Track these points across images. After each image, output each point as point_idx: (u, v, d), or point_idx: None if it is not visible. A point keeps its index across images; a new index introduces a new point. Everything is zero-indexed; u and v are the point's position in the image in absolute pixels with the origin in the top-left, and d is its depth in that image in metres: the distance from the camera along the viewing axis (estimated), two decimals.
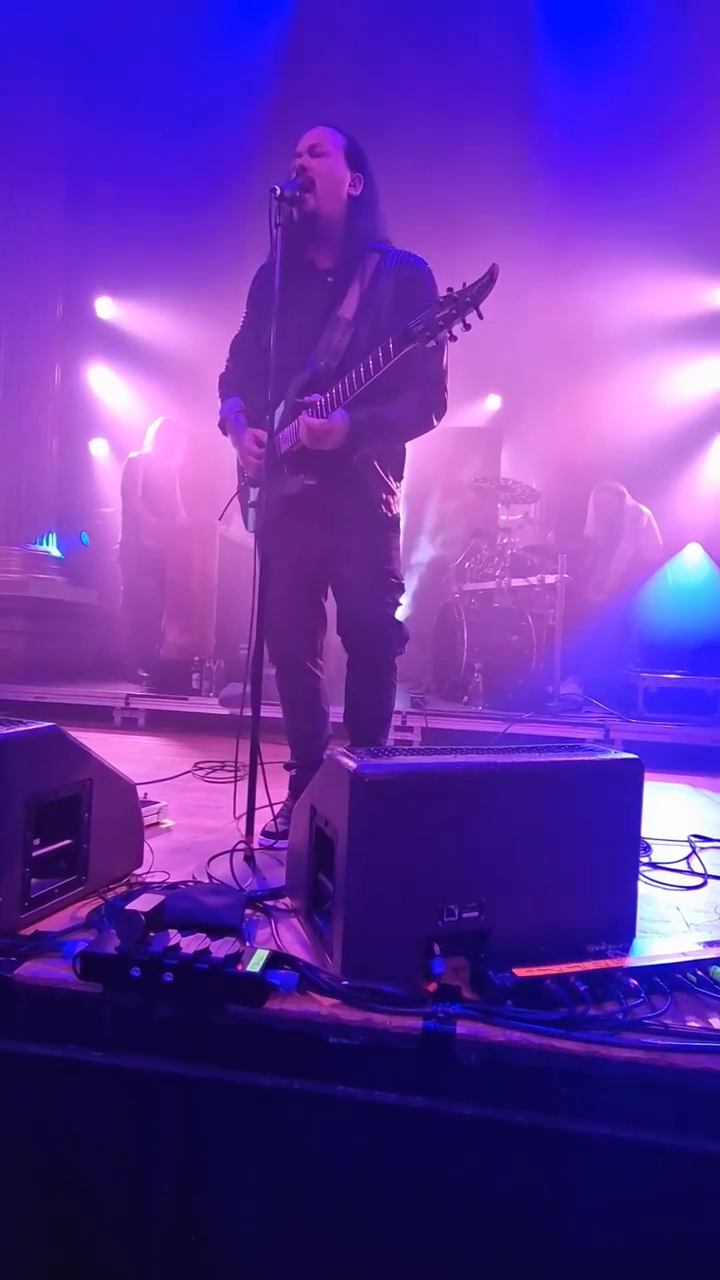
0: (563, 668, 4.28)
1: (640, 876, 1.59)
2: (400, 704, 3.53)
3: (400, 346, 1.70)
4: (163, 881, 1.55)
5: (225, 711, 3.82)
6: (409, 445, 2.08)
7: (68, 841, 1.42)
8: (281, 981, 1.09)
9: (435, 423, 1.96)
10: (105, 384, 6.36)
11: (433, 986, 1.13)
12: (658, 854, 1.98)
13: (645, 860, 1.88)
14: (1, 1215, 1.17)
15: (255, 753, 1.79)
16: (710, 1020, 1.10)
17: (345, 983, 1.11)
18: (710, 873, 1.87)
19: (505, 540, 4.85)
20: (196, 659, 4.33)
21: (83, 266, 5.66)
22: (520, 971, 1.13)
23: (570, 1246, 1.06)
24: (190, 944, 1.12)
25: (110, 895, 1.45)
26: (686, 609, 4.25)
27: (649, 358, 5.83)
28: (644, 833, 1.46)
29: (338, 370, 1.89)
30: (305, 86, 4.99)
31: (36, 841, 1.34)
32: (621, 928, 1.35)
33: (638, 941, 1.33)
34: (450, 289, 1.63)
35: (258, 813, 1.80)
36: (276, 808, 2.01)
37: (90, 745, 1.47)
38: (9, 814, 1.27)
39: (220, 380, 2.19)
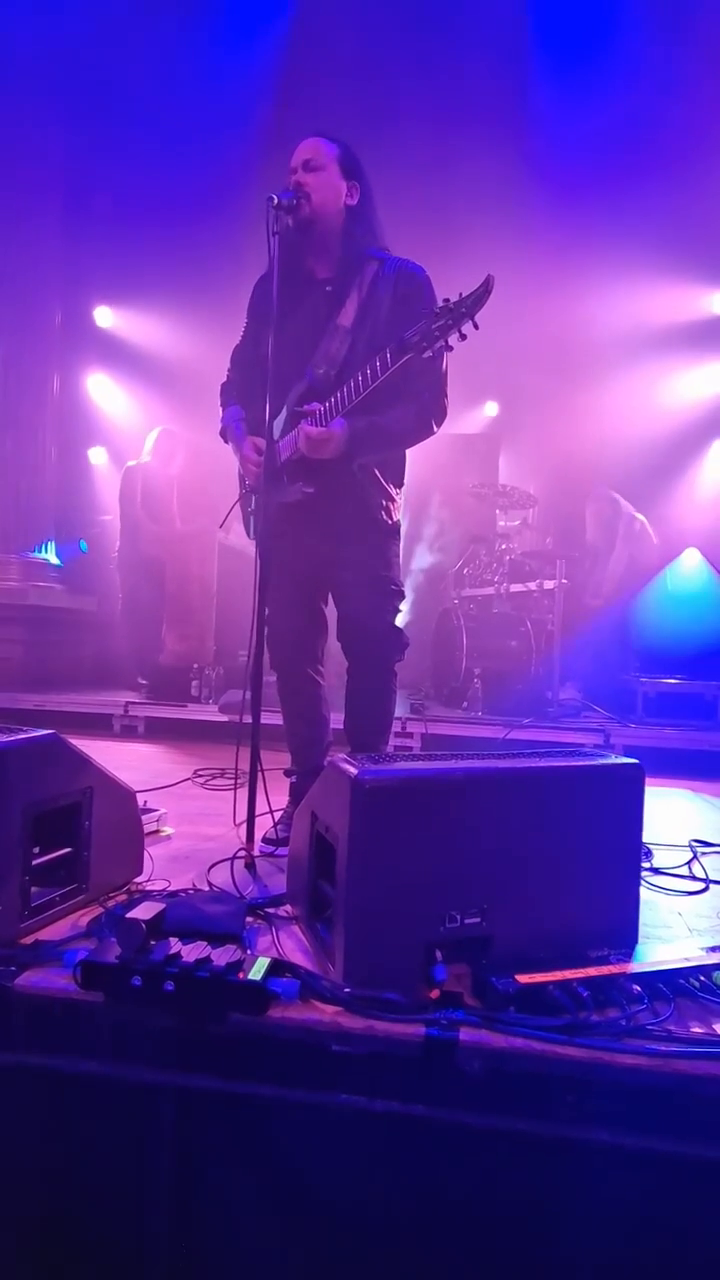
0: (562, 673, 4.28)
1: (642, 881, 1.58)
2: (400, 710, 3.53)
3: (397, 356, 1.71)
4: (163, 889, 1.55)
5: (225, 718, 3.82)
6: (408, 452, 2.08)
7: (67, 850, 1.42)
8: (283, 989, 1.09)
9: (435, 429, 1.96)
10: (104, 392, 6.38)
11: (435, 993, 1.12)
12: (659, 859, 1.97)
13: (646, 865, 1.88)
14: (1, 1225, 1.16)
15: (255, 759, 1.79)
16: (714, 1026, 1.10)
17: (347, 990, 1.11)
18: (712, 877, 1.87)
19: (504, 546, 4.86)
20: (196, 666, 4.33)
21: (82, 275, 5.68)
22: (523, 978, 1.13)
23: (574, 1256, 1.05)
24: (191, 952, 1.11)
25: (110, 904, 1.45)
26: (685, 614, 4.25)
27: (645, 363, 5.86)
28: (645, 838, 1.45)
29: (336, 378, 1.90)
30: (302, 96, 5.02)
31: (36, 850, 1.34)
32: (624, 933, 1.34)
33: (640, 947, 1.33)
34: (446, 300, 1.64)
35: (258, 820, 1.79)
36: (277, 814, 2.01)
37: (90, 753, 1.47)
38: (9, 822, 1.26)
39: (222, 389, 2.20)
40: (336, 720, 2.16)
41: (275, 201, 1.80)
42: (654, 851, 2.00)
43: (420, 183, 4.80)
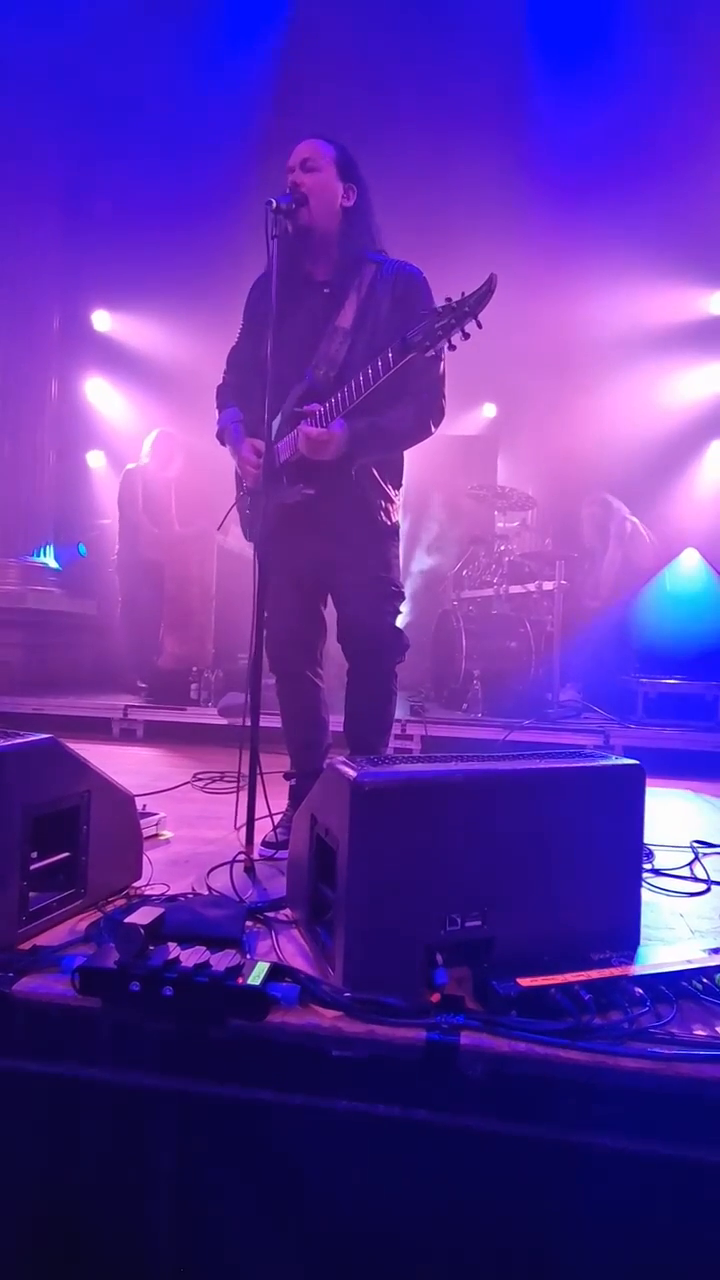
0: (562, 674, 4.28)
1: (643, 883, 1.58)
2: (400, 712, 3.52)
3: (400, 356, 1.71)
4: (162, 894, 1.54)
5: (224, 722, 3.81)
6: (406, 454, 2.08)
7: (66, 854, 1.41)
8: (283, 994, 1.08)
9: (433, 430, 1.96)
10: (102, 396, 6.38)
11: (436, 997, 1.11)
12: (660, 860, 1.97)
13: (648, 867, 1.87)
14: (3, 1231, 1.15)
15: (255, 762, 1.79)
16: (717, 1028, 1.09)
17: (347, 994, 1.10)
18: (714, 878, 1.86)
19: (502, 547, 4.86)
20: (195, 669, 4.32)
21: (79, 280, 5.69)
22: (524, 981, 1.12)
23: (577, 1261, 1.04)
24: (190, 957, 1.11)
25: (109, 908, 1.44)
26: (684, 614, 4.25)
27: (644, 364, 5.86)
28: (646, 839, 1.45)
29: (336, 380, 1.89)
30: (300, 100, 5.03)
31: (34, 854, 1.33)
32: (625, 935, 1.34)
33: (642, 949, 1.32)
34: (449, 299, 1.63)
35: (257, 823, 1.78)
36: (276, 818, 2.00)
37: (88, 757, 1.46)
38: (7, 827, 1.26)
39: (218, 391, 2.20)
40: (336, 722, 2.15)
41: (274, 205, 1.80)
42: (655, 853, 1.99)
43: (418, 185, 4.81)
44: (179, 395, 5.62)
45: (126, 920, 1.13)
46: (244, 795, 1.79)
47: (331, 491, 1.92)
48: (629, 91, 5.02)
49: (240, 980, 1.08)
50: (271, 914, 1.45)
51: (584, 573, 4.95)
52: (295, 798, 2.10)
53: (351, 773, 1.17)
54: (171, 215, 5.46)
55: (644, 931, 1.38)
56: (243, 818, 1.79)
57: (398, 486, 2.06)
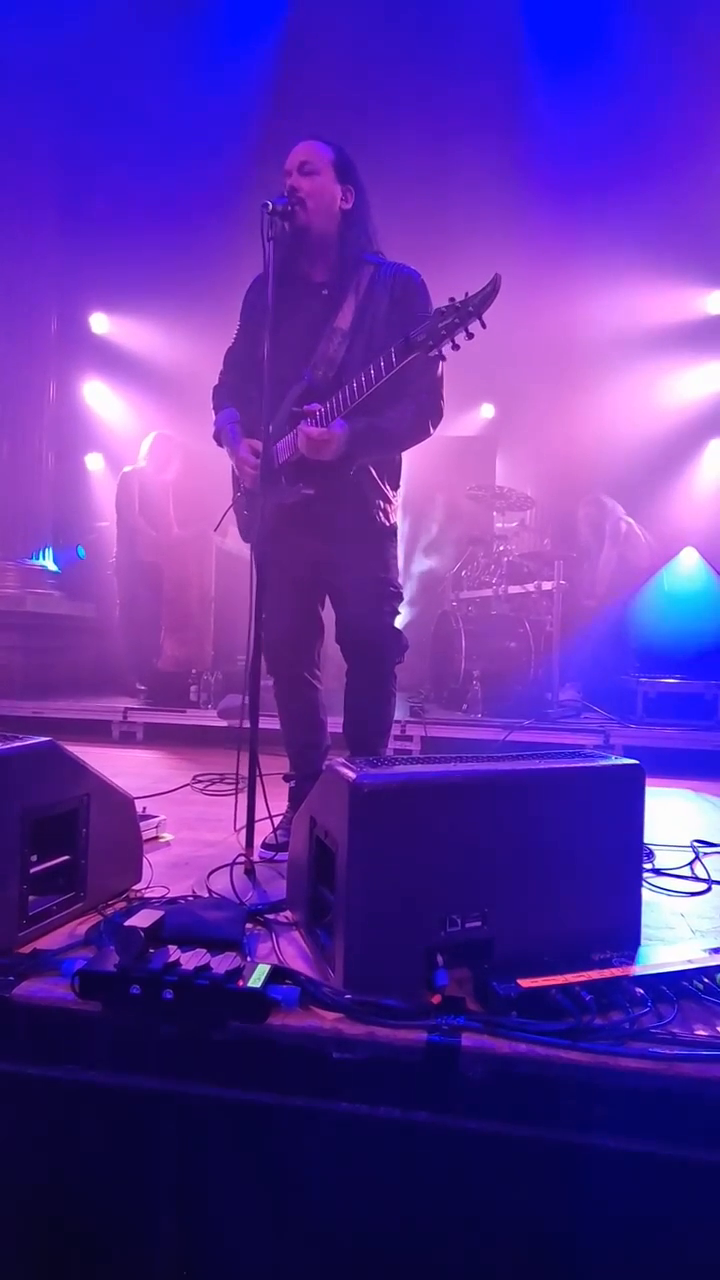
0: (561, 674, 4.28)
1: (644, 883, 1.58)
2: (399, 713, 3.52)
3: (402, 355, 1.70)
4: (162, 896, 1.54)
5: (223, 724, 3.81)
6: (404, 454, 2.08)
7: (65, 857, 1.41)
8: (283, 996, 1.08)
9: (432, 430, 1.96)
10: (100, 399, 6.38)
11: (436, 998, 1.11)
12: (660, 860, 1.96)
13: (648, 866, 1.87)
14: (5, 1235, 1.15)
15: (254, 764, 1.78)
16: (718, 1028, 1.09)
17: (348, 996, 1.10)
18: (714, 878, 1.86)
19: (501, 548, 4.85)
20: (194, 671, 4.32)
21: (77, 282, 5.69)
22: (525, 982, 1.12)
23: (579, 1262, 1.04)
24: (190, 960, 1.11)
25: (109, 911, 1.44)
26: (683, 614, 4.25)
27: (642, 364, 5.87)
28: (646, 839, 1.45)
29: (334, 380, 1.89)
30: (298, 102, 5.03)
31: (34, 858, 1.33)
32: (626, 935, 1.33)
33: (643, 949, 1.32)
34: (453, 298, 1.63)
35: (257, 825, 1.78)
36: (276, 819, 2.00)
37: (88, 759, 1.46)
38: (6, 830, 1.26)
39: (214, 392, 2.19)
40: (335, 724, 2.15)
41: (270, 207, 1.80)
42: (656, 852, 1.99)
43: (417, 185, 4.82)
44: (177, 398, 5.63)
45: (127, 923, 1.13)
46: (243, 797, 1.79)
47: (330, 492, 1.92)
48: (628, 92, 5.03)
49: (241, 983, 1.08)
50: (272, 916, 1.45)
51: (581, 573, 4.95)
52: (295, 799, 2.10)
53: (351, 774, 1.17)
54: (169, 217, 5.46)
55: (645, 931, 1.38)
56: (242, 820, 1.79)
57: (396, 487, 2.06)
